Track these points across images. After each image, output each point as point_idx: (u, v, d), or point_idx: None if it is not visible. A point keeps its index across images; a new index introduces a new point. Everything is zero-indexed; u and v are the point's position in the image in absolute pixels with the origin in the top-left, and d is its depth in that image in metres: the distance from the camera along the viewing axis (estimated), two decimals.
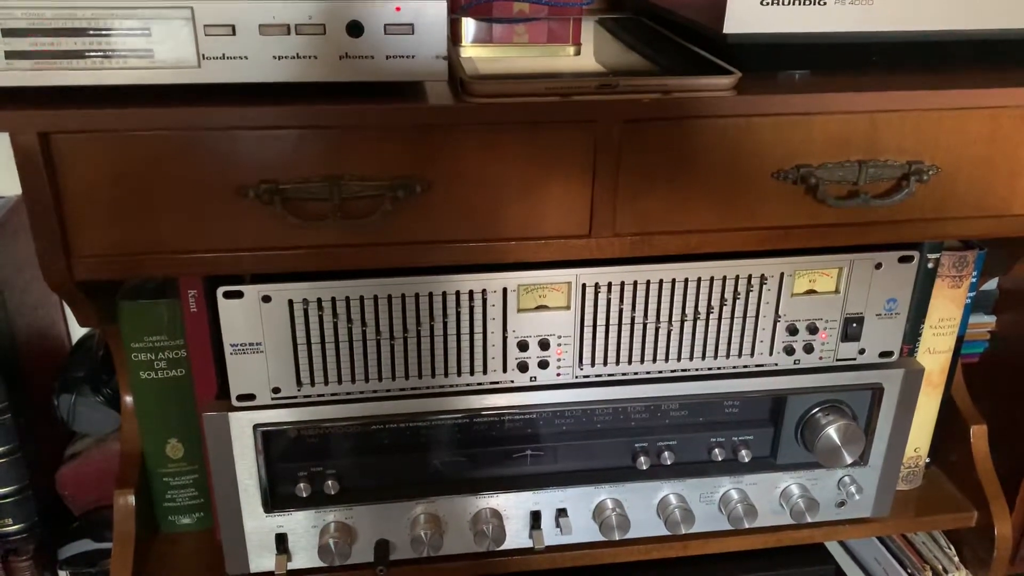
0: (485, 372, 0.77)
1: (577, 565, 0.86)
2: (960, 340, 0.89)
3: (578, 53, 0.83)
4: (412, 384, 0.76)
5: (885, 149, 0.70)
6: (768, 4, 0.68)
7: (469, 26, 0.90)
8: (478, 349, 0.76)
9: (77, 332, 1.07)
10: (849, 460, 0.82)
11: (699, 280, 0.76)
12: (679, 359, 0.79)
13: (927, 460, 0.94)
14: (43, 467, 0.92)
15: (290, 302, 0.71)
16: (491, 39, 0.88)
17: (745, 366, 0.80)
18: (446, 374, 0.76)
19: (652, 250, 0.71)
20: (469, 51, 0.79)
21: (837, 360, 0.81)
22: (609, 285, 0.75)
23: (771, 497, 0.85)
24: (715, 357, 0.79)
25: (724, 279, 0.76)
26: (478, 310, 0.74)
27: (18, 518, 0.90)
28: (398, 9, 0.60)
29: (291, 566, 0.80)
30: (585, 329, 0.77)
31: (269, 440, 0.76)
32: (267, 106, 0.61)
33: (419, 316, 0.74)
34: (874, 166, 0.70)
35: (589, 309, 0.76)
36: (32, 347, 0.94)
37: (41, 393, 0.92)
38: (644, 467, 0.81)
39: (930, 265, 0.82)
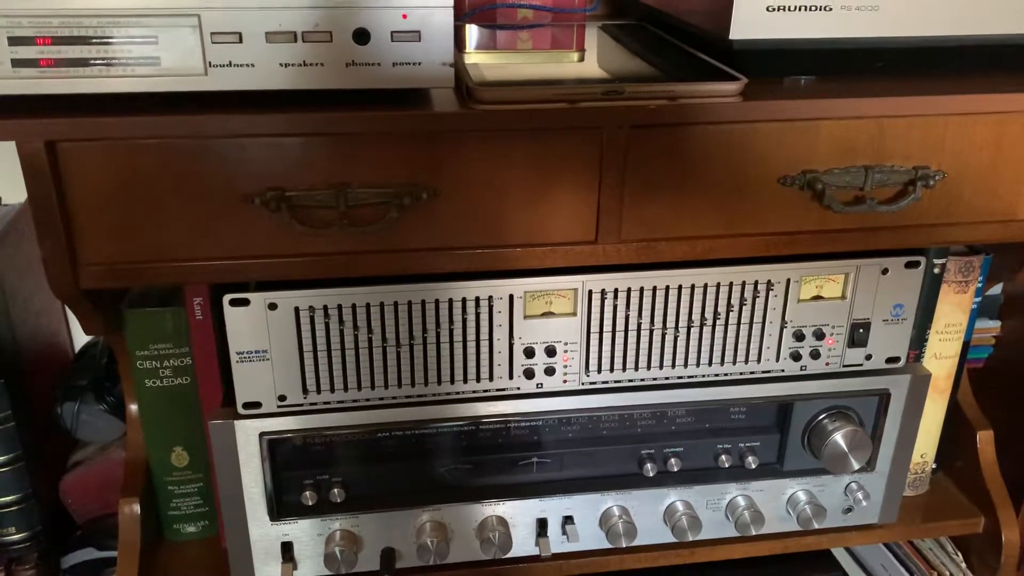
0: (491, 379, 0.77)
1: (584, 573, 0.85)
2: (966, 345, 0.89)
3: (582, 59, 0.83)
4: (418, 391, 0.76)
5: (891, 155, 0.70)
6: (774, 10, 0.68)
7: (473, 32, 0.90)
8: (484, 356, 0.76)
9: (80, 340, 1.07)
10: (856, 466, 0.81)
11: (705, 286, 0.76)
12: (686, 365, 0.79)
13: (934, 466, 0.94)
14: (46, 476, 0.91)
15: (296, 309, 0.71)
16: (495, 45, 0.88)
17: (752, 372, 0.80)
18: (452, 381, 0.76)
19: (658, 256, 0.71)
20: (473, 57, 0.79)
21: (844, 366, 0.81)
22: (615, 291, 0.75)
23: (778, 503, 0.85)
24: (721, 363, 0.79)
25: (730, 285, 0.76)
26: (484, 317, 0.74)
27: (21, 527, 0.89)
28: (404, 16, 0.60)
29: (297, 574, 0.80)
30: (591, 335, 0.76)
31: (275, 448, 0.76)
32: (274, 113, 0.61)
33: (425, 323, 0.74)
34: (880, 171, 0.70)
35: (595, 315, 0.76)
36: (35, 355, 0.94)
37: (44, 401, 0.92)
38: (651, 474, 0.81)
39: (936, 270, 0.82)
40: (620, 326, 0.77)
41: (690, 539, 0.82)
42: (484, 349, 0.75)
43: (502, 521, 0.81)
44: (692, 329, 0.78)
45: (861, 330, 0.80)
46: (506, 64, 0.79)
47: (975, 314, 0.87)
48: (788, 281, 0.77)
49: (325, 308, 0.72)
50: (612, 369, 0.78)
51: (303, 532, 0.79)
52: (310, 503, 0.77)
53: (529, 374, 0.77)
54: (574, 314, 0.75)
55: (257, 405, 0.74)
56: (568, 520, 0.82)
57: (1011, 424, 0.94)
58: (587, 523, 0.82)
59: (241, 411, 0.74)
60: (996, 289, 0.96)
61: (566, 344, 0.76)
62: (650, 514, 0.83)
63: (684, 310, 0.77)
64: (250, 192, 0.64)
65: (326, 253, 0.67)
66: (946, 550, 0.98)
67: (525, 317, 0.75)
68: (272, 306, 0.71)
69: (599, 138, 0.66)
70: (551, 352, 0.76)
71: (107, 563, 0.92)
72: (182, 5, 0.58)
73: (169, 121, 0.61)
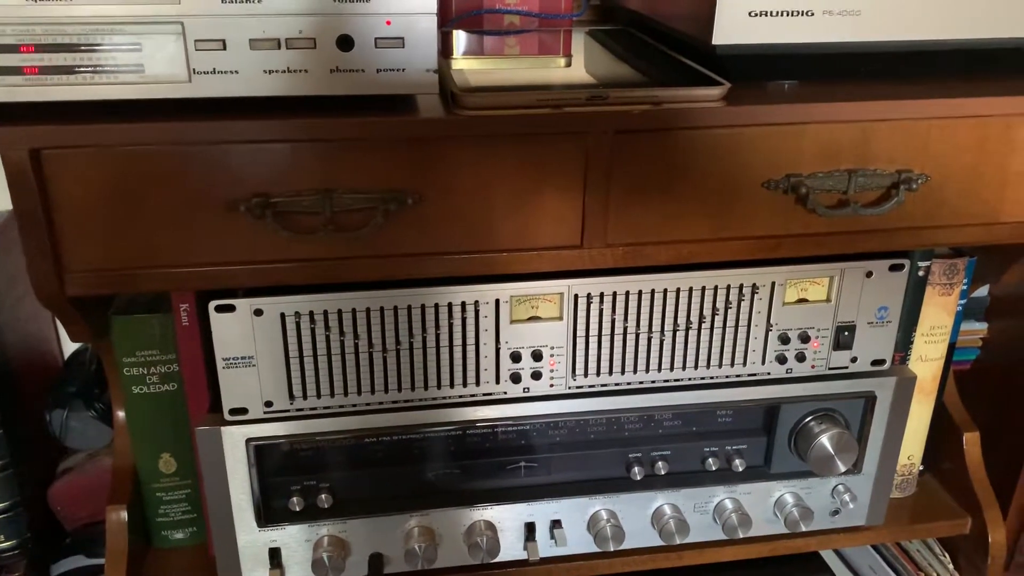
0: (478, 384, 0.77)
1: None
2: (952, 347, 0.89)
3: (569, 65, 0.83)
4: (405, 396, 0.76)
5: (875, 158, 0.71)
6: (756, 15, 0.68)
7: (460, 38, 0.91)
8: (471, 361, 0.76)
9: (69, 347, 1.06)
10: (843, 468, 0.82)
11: (691, 290, 0.76)
12: (672, 369, 0.79)
13: (920, 468, 0.94)
14: (35, 483, 0.91)
15: (282, 315, 0.71)
16: (482, 51, 0.88)
17: (738, 375, 0.80)
18: (439, 386, 0.76)
19: (644, 260, 0.72)
20: (460, 63, 0.80)
21: (829, 369, 0.81)
22: (601, 295, 0.75)
23: (765, 506, 0.85)
24: (707, 367, 0.80)
25: (716, 289, 0.77)
26: (471, 321, 0.74)
27: (10, 534, 0.89)
28: (388, 23, 0.60)
29: None
30: (578, 340, 0.77)
31: (262, 454, 0.76)
32: (258, 120, 0.61)
33: (412, 328, 0.74)
34: (864, 175, 0.70)
35: (582, 320, 0.76)
36: (24, 362, 0.94)
37: (33, 408, 0.91)
38: (638, 477, 0.81)
39: (921, 273, 0.83)
40: (606, 330, 0.77)
41: (678, 542, 0.82)
42: (471, 354, 0.76)
43: (490, 526, 0.81)
44: (678, 333, 0.78)
45: (846, 333, 0.80)
46: (492, 70, 0.80)
47: (960, 316, 0.88)
48: (773, 284, 0.77)
49: (311, 313, 0.72)
50: (599, 373, 0.78)
51: (291, 538, 0.79)
52: (297, 509, 0.77)
53: (516, 378, 0.77)
54: (560, 318, 0.76)
55: (244, 411, 0.74)
56: (556, 524, 0.82)
57: (997, 425, 0.94)
58: (575, 527, 0.83)
59: (228, 417, 0.74)
60: (982, 291, 0.97)
61: (552, 348, 0.77)
62: (638, 517, 0.83)
63: (670, 314, 0.77)
64: (235, 198, 0.64)
65: (312, 259, 0.67)
66: (933, 551, 0.98)
67: (511, 321, 0.75)
68: (258, 312, 0.71)
69: (584, 143, 0.66)
70: (538, 356, 0.77)
71: (96, 570, 0.92)
72: (165, 12, 0.58)
73: (153, 128, 0.61)
